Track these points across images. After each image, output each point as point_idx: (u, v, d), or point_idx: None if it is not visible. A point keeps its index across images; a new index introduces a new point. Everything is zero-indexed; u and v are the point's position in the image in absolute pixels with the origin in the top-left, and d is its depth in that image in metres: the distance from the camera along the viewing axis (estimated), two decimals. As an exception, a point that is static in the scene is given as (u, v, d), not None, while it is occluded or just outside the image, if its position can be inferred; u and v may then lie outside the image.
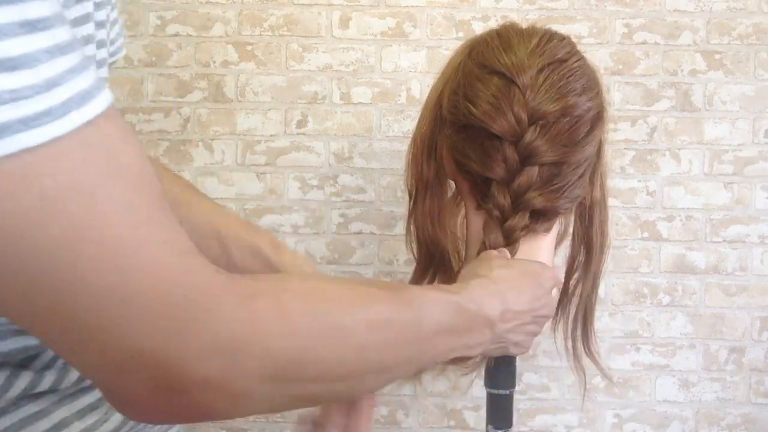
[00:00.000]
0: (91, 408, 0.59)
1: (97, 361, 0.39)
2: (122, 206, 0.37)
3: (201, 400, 0.41)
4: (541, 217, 0.79)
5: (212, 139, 1.39)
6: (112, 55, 0.63)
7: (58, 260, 0.35)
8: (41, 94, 0.34)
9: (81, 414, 0.58)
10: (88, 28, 0.52)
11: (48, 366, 0.55)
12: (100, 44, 0.56)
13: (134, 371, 0.39)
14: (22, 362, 0.54)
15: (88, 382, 0.59)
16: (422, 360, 0.57)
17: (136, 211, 0.38)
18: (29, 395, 0.55)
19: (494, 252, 0.75)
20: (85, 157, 0.36)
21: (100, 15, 0.55)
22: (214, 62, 1.38)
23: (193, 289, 0.39)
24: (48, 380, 0.55)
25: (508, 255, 0.76)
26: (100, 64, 0.56)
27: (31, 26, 0.34)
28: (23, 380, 0.54)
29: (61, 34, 0.36)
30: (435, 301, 0.58)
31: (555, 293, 0.77)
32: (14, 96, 0.33)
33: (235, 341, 0.41)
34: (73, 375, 0.57)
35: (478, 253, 0.79)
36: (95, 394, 0.60)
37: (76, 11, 0.50)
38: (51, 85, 0.35)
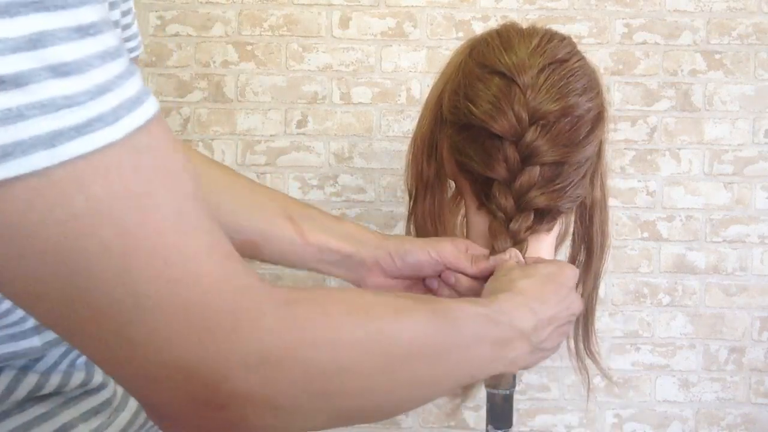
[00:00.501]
0: (96, 411, 0.59)
1: (138, 374, 0.38)
2: (172, 214, 0.37)
3: (243, 416, 0.39)
4: (544, 217, 0.79)
5: (212, 139, 1.39)
6: (130, 51, 0.63)
7: (106, 270, 0.35)
8: (93, 100, 0.34)
9: (86, 416, 0.58)
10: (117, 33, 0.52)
11: (52, 368, 0.55)
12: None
13: (175, 385, 0.38)
14: (26, 365, 0.54)
15: (92, 385, 0.59)
16: (462, 373, 0.56)
17: (185, 219, 0.37)
18: (35, 397, 0.55)
19: (510, 263, 0.75)
20: (136, 164, 0.35)
21: (114, 14, 0.55)
22: (214, 62, 1.38)
23: (237, 299, 0.39)
24: (53, 382, 0.55)
25: (521, 257, 0.76)
26: None
27: (84, 31, 0.34)
28: (29, 382, 0.54)
29: (109, 40, 0.36)
30: (468, 313, 0.57)
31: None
32: (69, 102, 0.33)
33: (277, 350, 0.40)
34: (78, 377, 0.57)
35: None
36: (99, 397, 0.60)
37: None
38: (102, 90, 0.34)
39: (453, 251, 0.77)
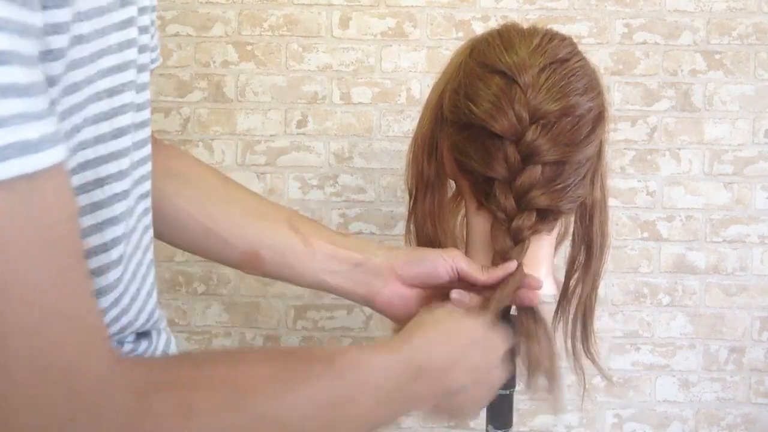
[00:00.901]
0: None
1: None
2: (35, 276, 0.33)
3: None
4: (546, 217, 0.79)
5: (212, 139, 1.39)
6: (153, 61, 0.63)
7: None
8: None
9: None
10: (131, 32, 0.51)
11: None
12: (142, 49, 0.55)
13: None
14: None
15: None
16: (366, 428, 0.53)
17: (49, 285, 0.34)
18: None
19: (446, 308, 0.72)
20: (10, 214, 0.32)
21: (144, 20, 0.54)
22: (214, 62, 1.38)
23: (83, 384, 0.34)
24: None
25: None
26: (141, 68, 0.55)
27: None
28: None
29: (18, 74, 0.33)
30: (374, 365, 0.54)
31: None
32: None
33: None
34: None
35: (493, 262, 0.79)
36: None
37: (120, 15, 0.49)
38: None
39: (464, 258, 0.76)
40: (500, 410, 0.86)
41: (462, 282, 0.76)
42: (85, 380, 0.35)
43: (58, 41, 0.39)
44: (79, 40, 0.43)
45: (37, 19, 0.35)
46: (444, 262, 0.75)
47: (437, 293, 0.76)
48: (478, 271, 0.76)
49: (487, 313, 0.71)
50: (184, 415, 0.38)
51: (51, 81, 0.39)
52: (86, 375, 0.35)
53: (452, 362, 0.61)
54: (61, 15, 0.39)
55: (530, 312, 0.79)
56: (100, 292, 0.49)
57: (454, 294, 0.75)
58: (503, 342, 0.69)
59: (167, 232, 0.71)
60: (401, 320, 0.76)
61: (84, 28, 0.43)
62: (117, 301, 0.51)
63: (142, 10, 0.53)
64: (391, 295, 0.75)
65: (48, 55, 0.38)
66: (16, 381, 0.32)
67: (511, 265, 0.76)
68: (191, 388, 0.40)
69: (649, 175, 1.39)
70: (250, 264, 0.73)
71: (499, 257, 0.78)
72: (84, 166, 0.46)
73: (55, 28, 0.38)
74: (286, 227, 0.74)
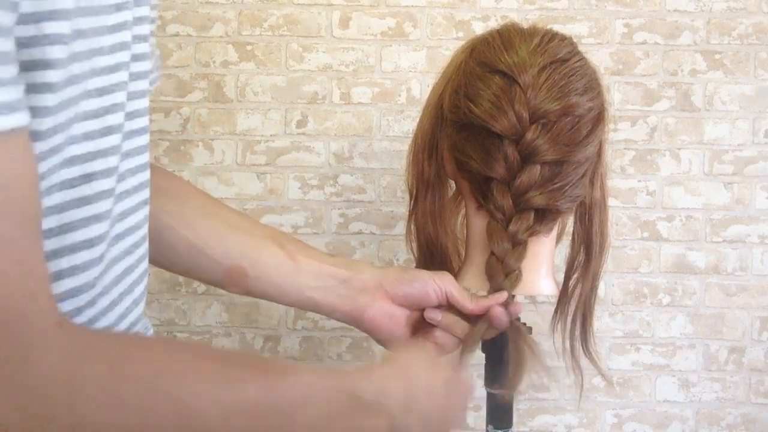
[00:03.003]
0: None
1: None
2: None
3: None
4: (544, 218, 0.79)
5: (212, 139, 1.39)
6: (151, 82, 0.62)
7: None
8: None
9: None
10: (125, 36, 0.52)
11: None
12: (141, 57, 0.55)
13: None
14: None
15: None
16: None
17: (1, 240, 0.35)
18: None
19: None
20: None
21: (141, 29, 0.55)
22: (214, 62, 1.38)
23: (21, 336, 0.36)
24: None
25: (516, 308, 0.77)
26: (137, 76, 0.55)
27: None
28: None
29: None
30: (318, 389, 0.52)
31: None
32: None
33: (47, 404, 0.37)
34: None
35: (487, 262, 0.79)
36: None
37: (114, 19, 0.50)
38: None
39: (454, 284, 0.76)
40: (500, 410, 0.86)
41: (451, 307, 0.75)
42: (26, 336, 0.36)
43: (62, 27, 0.41)
44: (79, 34, 0.44)
45: None
46: (434, 285, 0.75)
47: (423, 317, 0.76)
48: (466, 299, 0.75)
49: (463, 353, 0.71)
50: (110, 385, 0.40)
51: (55, 64, 0.40)
52: (27, 332, 0.36)
53: (407, 406, 0.58)
54: (66, 3, 0.40)
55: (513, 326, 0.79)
56: (80, 289, 0.50)
57: (428, 312, 0.75)
58: (465, 393, 0.66)
59: (152, 249, 0.67)
60: (387, 342, 0.76)
61: (83, 23, 0.44)
62: (93, 301, 0.51)
63: (139, 20, 0.54)
64: (378, 313, 0.74)
65: (51, 39, 0.40)
66: None
67: (501, 297, 0.76)
68: (123, 362, 0.41)
69: (649, 175, 1.39)
70: (234, 280, 0.72)
71: (496, 259, 0.78)
72: (71, 162, 0.47)
73: (61, 15, 0.40)
74: (271, 242, 0.73)
